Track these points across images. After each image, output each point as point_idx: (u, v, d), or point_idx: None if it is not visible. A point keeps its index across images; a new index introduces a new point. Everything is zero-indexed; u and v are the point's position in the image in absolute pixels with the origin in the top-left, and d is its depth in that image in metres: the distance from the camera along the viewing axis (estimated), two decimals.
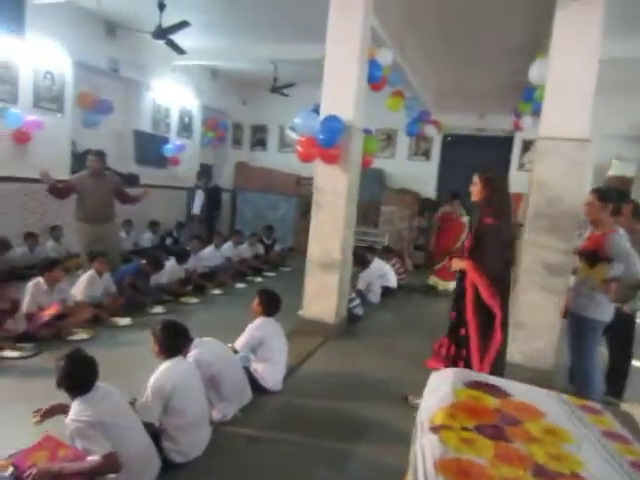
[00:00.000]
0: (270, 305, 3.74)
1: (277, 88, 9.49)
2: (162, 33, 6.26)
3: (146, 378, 2.77)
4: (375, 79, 5.40)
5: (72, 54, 7.53)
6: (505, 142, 10.33)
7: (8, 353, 3.84)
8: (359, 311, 5.67)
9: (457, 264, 3.08)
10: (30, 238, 6.71)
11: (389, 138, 11.24)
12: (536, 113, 5.41)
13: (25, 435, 2.53)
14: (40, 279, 4.47)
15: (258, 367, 3.53)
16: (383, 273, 7.02)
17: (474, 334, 2.94)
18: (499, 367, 3.04)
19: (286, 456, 2.85)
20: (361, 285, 6.51)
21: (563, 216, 4.09)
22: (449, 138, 10.98)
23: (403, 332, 5.59)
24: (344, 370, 4.24)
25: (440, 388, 2.00)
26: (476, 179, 3.12)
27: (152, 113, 9.53)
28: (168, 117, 9.99)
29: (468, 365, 3.00)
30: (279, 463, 2.77)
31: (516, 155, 10.26)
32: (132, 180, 8.79)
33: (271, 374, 3.55)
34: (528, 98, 6.57)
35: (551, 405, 2.02)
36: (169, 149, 9.70)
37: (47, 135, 7.16)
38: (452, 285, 6.48)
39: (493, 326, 2.90)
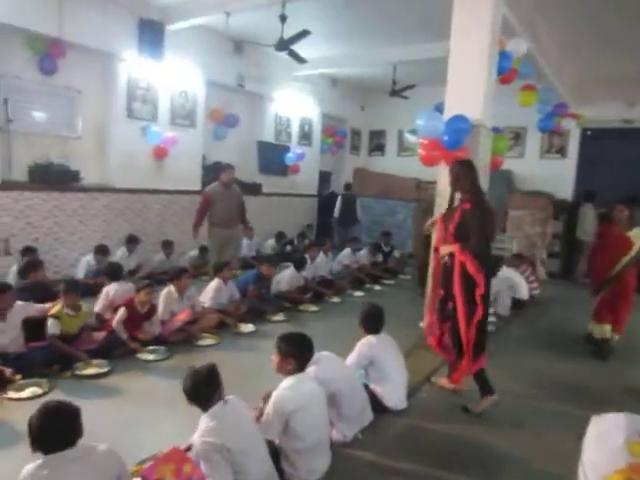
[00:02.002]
0: (371, 322, 3.43)
1: (396, 91, 9.26)
2: (284, 44, 6.39)
3: (266, 386, 2.74)
4: (504, 71, 4.94)
5: (204, 73, 8.07)
6: None
7: (144, 355, 4.12)
8: (491, 328, 5.16)
9: (446, 249, 3.39)
10: (167, 246, 7.20)
11: (518, 136, 10.39)
12: None
13: (160, 440, 2.65)
14: (171, 287, 4.75)
15: (376, 387, 3.32)
16: (512, 283, 6.38)
17: (461, 304, 3.28)
18: (483, 337, 3.38)
19: None
20: None
21: None
22: (589, 132, 9.80)
23: (534, 351, 4.97)
24: (470, 390, 3.85)
25: (609, 439, 1.62)
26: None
27: (274, 124, 9.87)
28: (289, 127, 10.28)
29: (454, 333, 3.37)
30: None
31: None
32: (255, 190, 9.19)
33: (390, 393, 3.31)
34: None
35: None
36: (290, 158, 9.96)
37: (181, 149, 7.73)
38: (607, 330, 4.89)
39: (475, 299, 3.23)
